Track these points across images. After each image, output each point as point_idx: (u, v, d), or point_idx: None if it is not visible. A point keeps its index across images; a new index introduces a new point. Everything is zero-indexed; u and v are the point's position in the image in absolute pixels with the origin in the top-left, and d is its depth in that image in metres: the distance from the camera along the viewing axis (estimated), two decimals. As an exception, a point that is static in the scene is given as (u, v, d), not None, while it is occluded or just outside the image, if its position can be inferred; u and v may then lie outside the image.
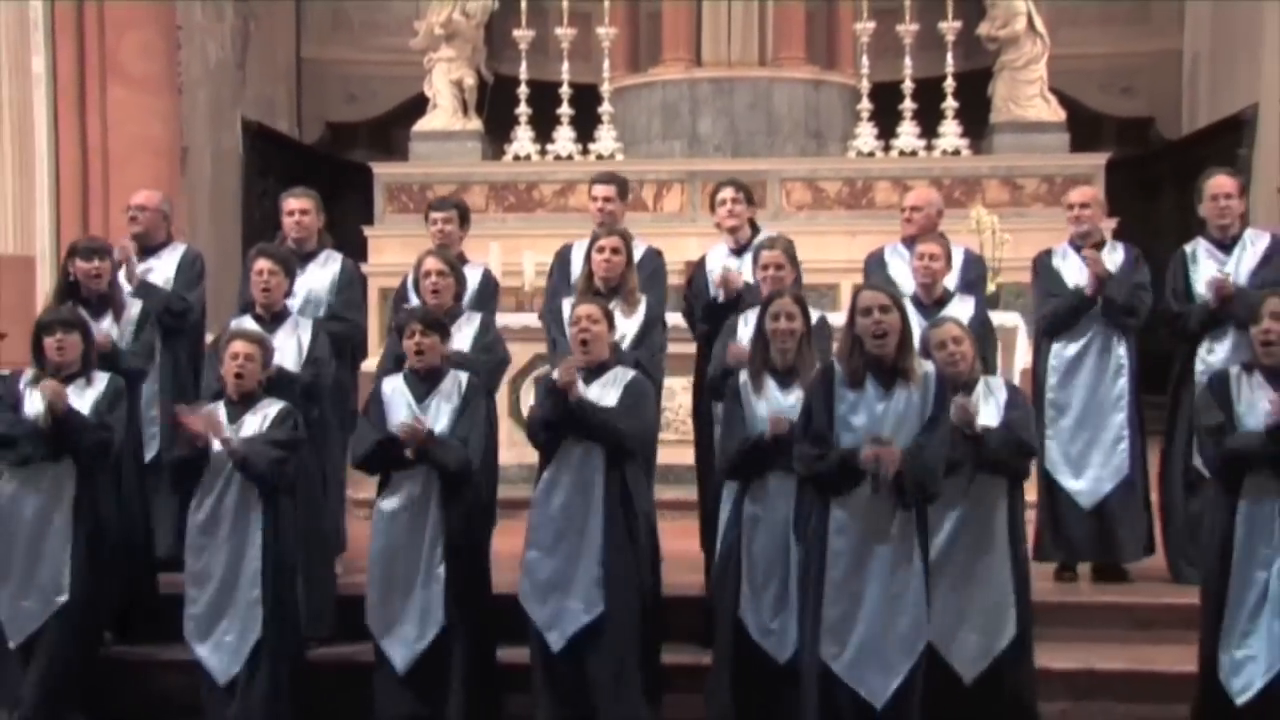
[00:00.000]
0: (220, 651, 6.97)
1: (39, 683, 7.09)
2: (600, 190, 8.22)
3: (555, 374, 6.72)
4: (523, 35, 15.11)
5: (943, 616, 6.30)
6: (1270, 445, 6.04)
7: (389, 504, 7.06)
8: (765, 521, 6.61)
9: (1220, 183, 8.25)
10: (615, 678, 6.75)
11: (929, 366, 6.17)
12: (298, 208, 8.44)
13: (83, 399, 7.14)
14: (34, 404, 7.05)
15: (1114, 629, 7.76)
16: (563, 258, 8.34)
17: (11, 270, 10.95)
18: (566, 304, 7.59)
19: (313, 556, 7.63)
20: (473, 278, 8.18)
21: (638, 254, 7.88)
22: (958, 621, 6.39)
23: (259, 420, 7.02)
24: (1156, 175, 16.52)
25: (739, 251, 7.99)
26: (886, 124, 14.95)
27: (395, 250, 13.48)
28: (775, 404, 6.52)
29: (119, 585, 7.50)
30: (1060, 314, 8.32)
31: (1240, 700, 6.12)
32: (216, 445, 6.91)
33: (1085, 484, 8.31)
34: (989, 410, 6.50)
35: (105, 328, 7.78)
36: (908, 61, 15.00)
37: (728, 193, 8.14)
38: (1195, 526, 7.72)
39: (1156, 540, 8.33)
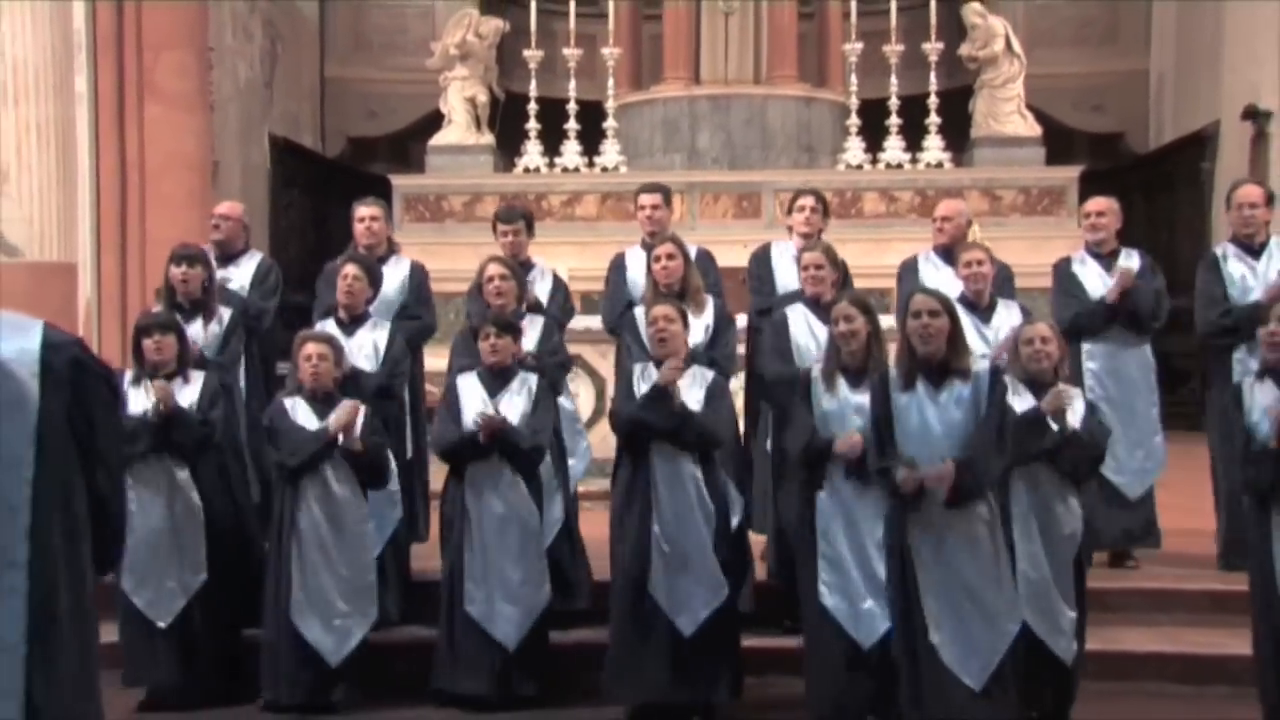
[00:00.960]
0: (330, 633, 7.04)
1: (190, 660, 7.15)
2: (647, 199, 8.18)
3: (658, 376, 6.60)
4: (532, 55, 15.16)
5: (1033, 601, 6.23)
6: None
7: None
8: (842, 514, 6.45)
9: (1247, 191, 8.21)
10: (725, 660, 6.75)
11: (983, 365, 6.03)
12: (369, 214, 8.48)
13: (181, 397, 7.18)
14: (138, 402, 7.08)
15: (1147, 612, 7.67)
16: (618, 265, 8.27)
17: (54, 277, 10.94)
18: (638, 311, 7.58)
19: (388, 546, 7.72)
20: (543, 283, 8.22)
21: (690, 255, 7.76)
22: (1051, 605, 6.29)
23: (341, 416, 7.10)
24: (1126, 187, 16.42)
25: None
26: (874, 138, 14.98)
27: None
28: (845, 402, 6.35)
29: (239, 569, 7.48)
30: (1084, 320, 8.26)
31: None
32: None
33: (1128, 476, 8.23)
34: (1072, 412, 6.38)
35: (194, 332, 7.78)
36: (894, 80, 15.03)
37: (808, 200, 8.05)
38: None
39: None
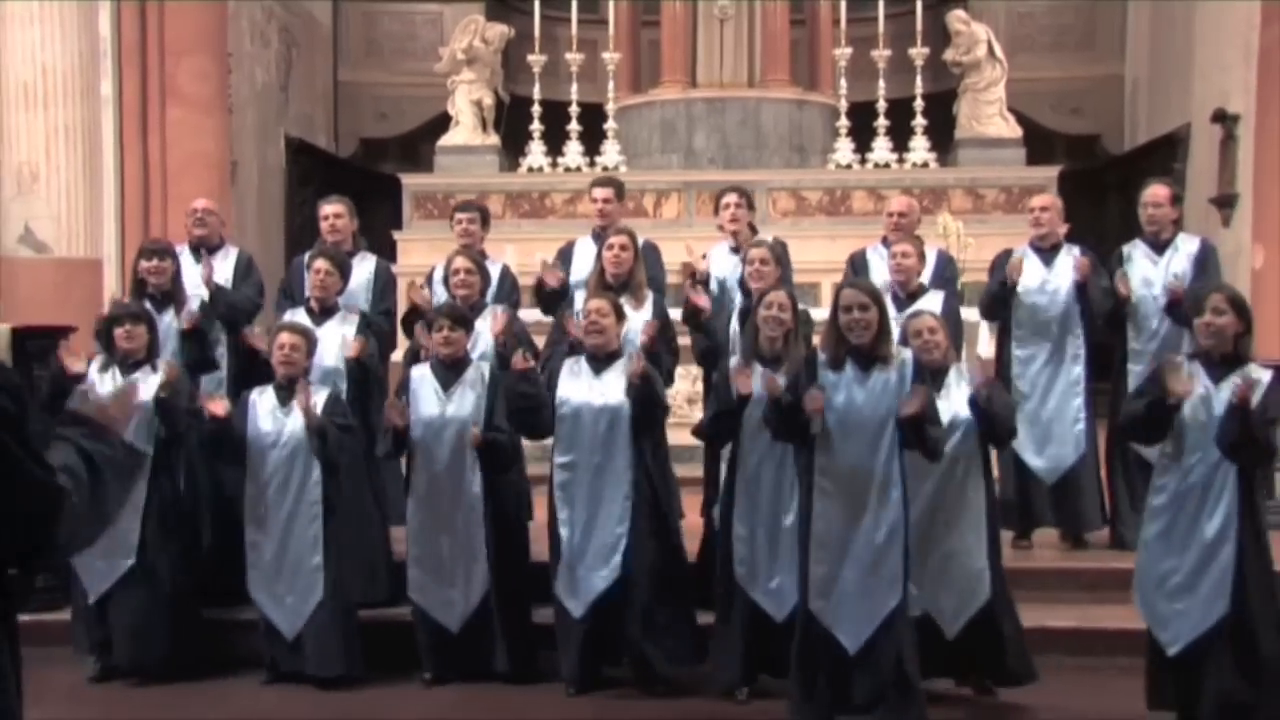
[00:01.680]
0: (282, 610, 7.08)
1: (119, 633, 7.18)
2: (599, 193, 8.26)
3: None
4: (536, 60, 15.18)
5: (926, 579, 6.34)
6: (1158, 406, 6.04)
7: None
8: (751, 493, 6.64)
9: (1153, 192, 8.32)
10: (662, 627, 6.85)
11: (907, 353, 6.19)
12: (332, 212, 8.50)
13: (149, 385, 7.17)
14: (104, 388, 7.06)
15: (1064, 591, 7.79)
16: (565, 252, 8.34)
17: (80, 272, 10.97)
18: (579, 296, 7.63)
19: (367, 528, 7.71)
20: (494, 274, 8.20)
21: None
22: (938, 585, 6.41)
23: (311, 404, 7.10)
24: (1102, 186, 16.58)
25: (737, 250, 7.96)
26: (862, 139, 14.99)
27: (422, 252, 13.49)
28: (758, 390, 6.46)
29: (190, 550, 7.50)
30: (986, 302, 8.51)
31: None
32: (284, 424, 7.08)
33: (1046, 461, 8.37)
34: (960, 393, 6.52)
35: (165, 322, 7.83)
36: (881, 84, 15.03)
37: (731, 198, 8.17)
38: (1136, 499, 7.77)
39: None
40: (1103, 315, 8.26)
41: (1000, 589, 6.54)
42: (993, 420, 6.47)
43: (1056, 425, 8.37)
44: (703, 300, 7.59)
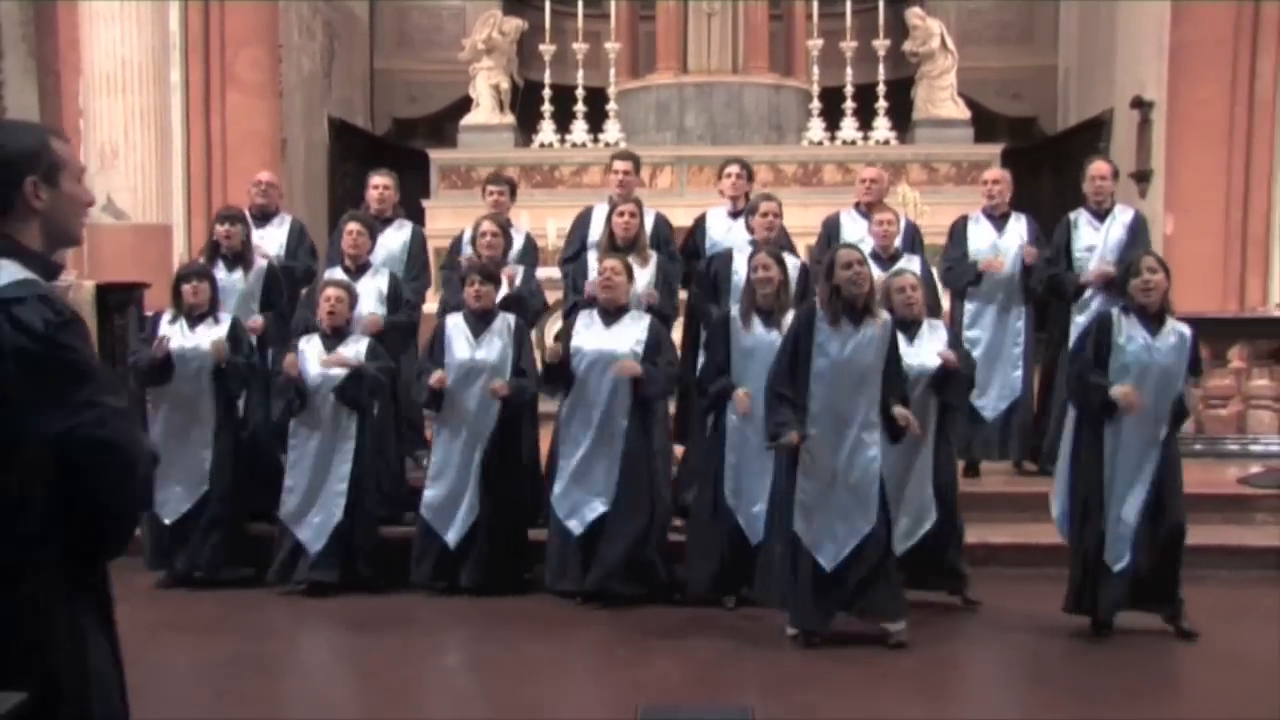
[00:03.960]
0: (309, 528, 7.13)
1: (195, 550, 7.27)
2: (620, 165, 8.15)
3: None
4: (546, 49, 15.17)
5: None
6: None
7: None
8: (742, 431, 6.66)
9: (1099, 167, 8.40)
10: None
11: (886, 315, 6.21)
12: (381, 183, 8.51)
13: (210, 335, 7.25)
14: (174, 338, 7.17)
15: (1006, 512, 7.90)
16: (582, 220, 8.21)
17: (153, 236, 11.02)
18: (591, 257, 7.61)
19: (390, 455, 7.72)
20: (517, 240, 8.22)
21: (649, 218, 7.80)
22: (895, 508, 6.44)
23: (350, 351, 7.14)
24: (1038, 162, 16.58)
25: (735, 215, 7.90)
26: (832, 119, 15.01)
27: (447, 218, 13.50)
28: (759, 339, 6.51)
29: (245, 476, 7.56)
30: (954, 274, 8.53)
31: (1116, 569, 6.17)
32: (327, 370, 7.09)
33: (989, 401, 8.47)
34: (933, 343, 6.59)
35: (235, 279, 7.90)
36: (849, 71, 15.04)
37: (734, 168, 8.08)
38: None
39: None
40: (1041, 281, 8.33)
41: (947, 514, 6.65)
42: (950, 393, 6.60)
43: (999, 372, 8.47)
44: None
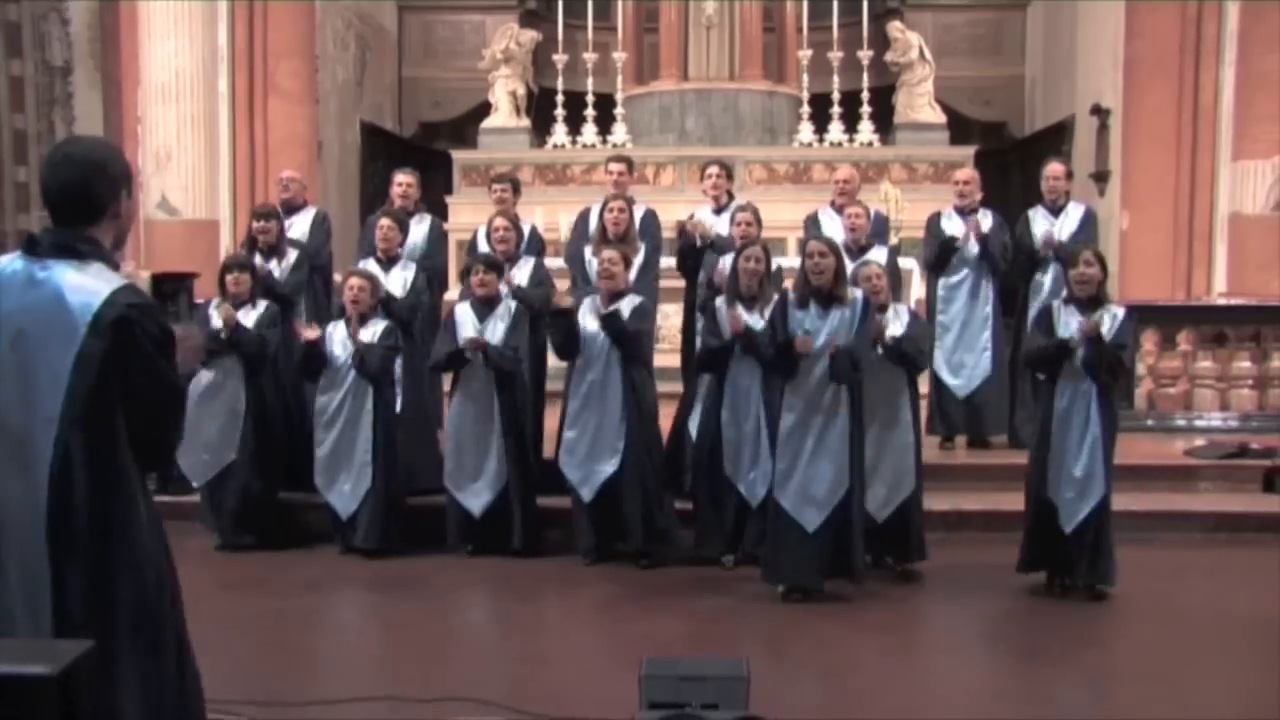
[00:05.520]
0: (340, 496, 7.21)
1: (224, 515, 7.38)
2: (615, 167, 8.20)
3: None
4: (559, 58, 15.12)
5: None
6: (1063, 348, 6.24)
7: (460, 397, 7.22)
8: (738, 405, 6.75)
9: (1054, 168, 8.53)
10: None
11: (858, 293, 6.31)
12: (405, 181, 8.56)
13: (249, 318, 7.38)
14: (217, 321, 7.30)
15: (975, 482, 7.99)
16: (583, 217, 8.30)
17: (202, 230, 11.14)
18: (588, 251, 7.70)
19: (418, 428, 7.79)
20: (527, 232, 8.24)
21: (639, 213, 7.89)
22: (872, 477, 6.54)
23: (370, 333, 7.23)
24: (1007, 164, 16.60)
25: (718, 212, 7.98)
26: (820, 123, 14.96)
27: (469, 213, 13.48)
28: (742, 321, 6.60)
29: (277, 447, 7.63)
30: (935, 256, 8.57)
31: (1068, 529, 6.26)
32: (350, 350, 7.14)
33: (961, 380, 8.53)
34: (896, 325, 6.66)
35: (271, 267, 7.96)
36: (835, 78, 14.97)
37: (714, 169, 8.13)
38: (1030, 410, 7.92)
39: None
40: (1005, 263, 8.41)
41: (919, 485, 6.71)
42: (906, 357, 6.65)
43: (969, 353, 8.52)
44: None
